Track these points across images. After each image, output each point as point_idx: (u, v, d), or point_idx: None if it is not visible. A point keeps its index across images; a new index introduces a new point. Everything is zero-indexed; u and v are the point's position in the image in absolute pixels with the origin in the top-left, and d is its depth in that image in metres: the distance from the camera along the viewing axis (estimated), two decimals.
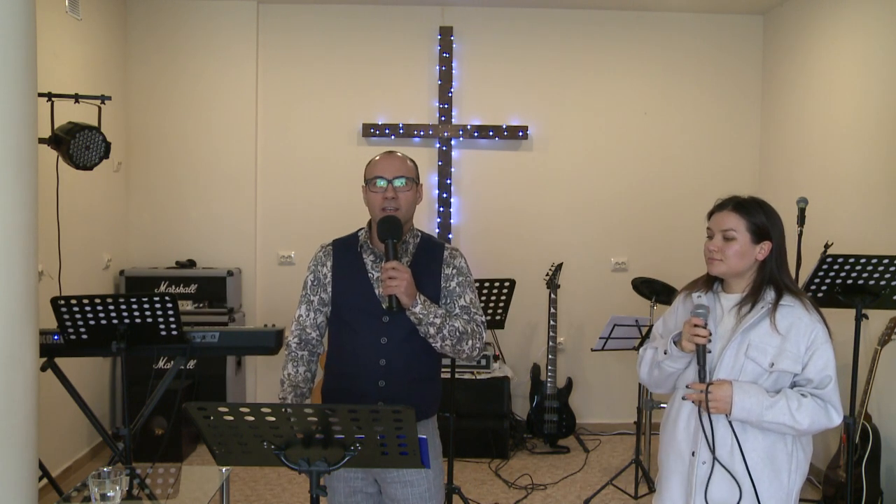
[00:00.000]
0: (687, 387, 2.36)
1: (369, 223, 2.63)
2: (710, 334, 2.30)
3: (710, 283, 2.45)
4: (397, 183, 2.53)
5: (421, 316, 2.44)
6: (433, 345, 2.51)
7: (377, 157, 2.61)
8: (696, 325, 2.29)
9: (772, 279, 2.35)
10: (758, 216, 2.35)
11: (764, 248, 2.34)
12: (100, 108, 4.00)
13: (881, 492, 4.22)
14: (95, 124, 3.85)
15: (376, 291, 2.53)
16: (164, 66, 5.88)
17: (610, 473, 5.06)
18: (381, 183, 2.53)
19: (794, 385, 2.31)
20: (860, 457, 4.18)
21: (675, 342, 2.37)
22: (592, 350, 4.92)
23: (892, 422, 4.36)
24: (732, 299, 2.39)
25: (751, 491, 2.28)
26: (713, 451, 2.30)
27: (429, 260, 2.59)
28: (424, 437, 2.03)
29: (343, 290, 2.59)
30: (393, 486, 2.53)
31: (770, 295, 2.34)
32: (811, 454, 2.41)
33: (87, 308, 3.26)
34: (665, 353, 2.39)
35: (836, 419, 2.27)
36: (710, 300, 2.41)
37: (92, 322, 3.29)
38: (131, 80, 5.85)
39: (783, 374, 2.29)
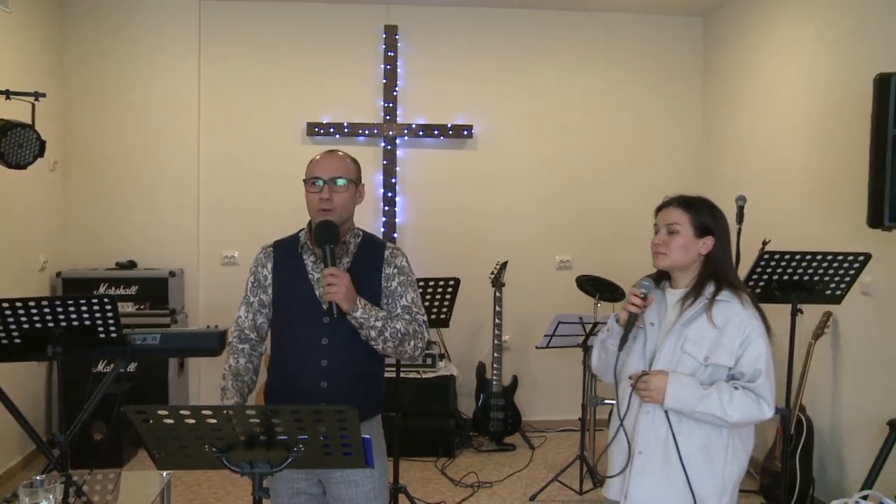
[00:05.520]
0: (629, 377, 2.43)
1: (310, 224, 2.61)
2: (644, 305, 2.41)
3: (658, 279, 2.52)
4: (335, 183, 2.51)
5: (362, 320, 2.43)
6: (375, 347, 2.50)
7: (317, 157, 2.59)
8: (634, 295, 2.40)
9: (715, 275, 2.42)
10: (702, 212, 2.45)
11: (707, 243, 2.43)
12: (33, 106, 3.90)
13: (813, 479, 4.35)
14: (29, 122, 3.76)
15: (317, 293, 2.51)
16: (102, 61, 5.75)
17: (555, 470, 5.10)
18: (319, 183, 2.51)
19: (731, 379, 2.37)
20: (795, 447, 4.30)
21: (616, 320, 2.47)
22: (537, 348, 4.97)
23: (823, 413, 4.49)
24: (677, 294, 2.47)
25: (684, 480, 2.34)
26: (621, 419, 2.46)
27: (370, 259, 2.58)
28: (368, 436, 2.02)
29: (284, 292, 2.58)
30: (337, 487, 2.51)
31: (709, 290, 2.41)
32: (752, 447, 2.47)
33: (21, 311, 3.16)
34: (608, 332, 2.50)
35: (768, 412, 2.33)
36: (658, 296, 2.49)
37: (26, 325, 3.19)
38: (68, 77, 5.70)
39: (718, 368, 2.36)
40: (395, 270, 2.59)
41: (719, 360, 2.35)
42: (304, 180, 2.56)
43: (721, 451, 2.38)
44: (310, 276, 2.54)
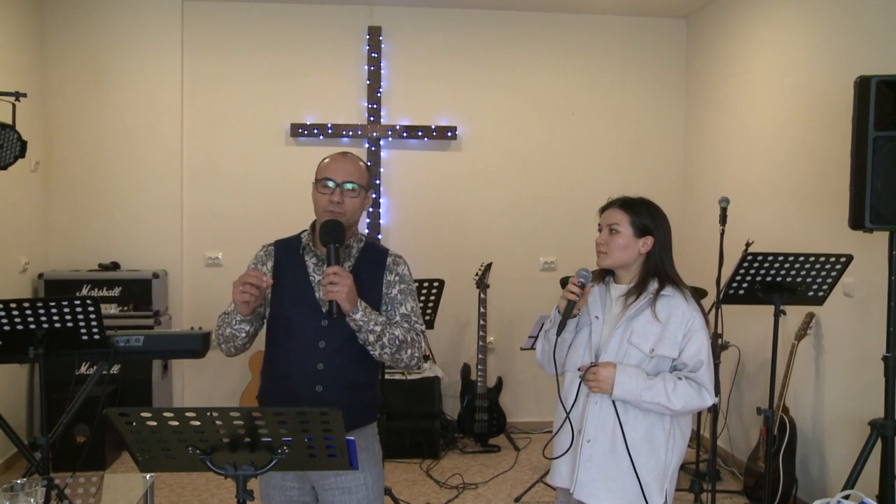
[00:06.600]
0: (578, 369, 2.52)
1: (313, 224, 2.56)
2: (581, 294, 2.49)
3: (602, 275, 2.64)
4: (346, 187, 2.47)
5: (361, 323, 2.39)
6: (371, 353, 2.46)
7: (328, 158, 2.54)
8: (572, 284, 2.49)
9: (656, 272, 2.53)
10: (641, 213, 2.55)
11: (647, 243, 2.54)
12: (14, 106, 3.86)
13: (796, 479, 4.38)
14: (10, 122, 3.72)
15: (316, 295, 2.47)
16: (84, 61, 5.71)
17: (540, 471, 5.11)
18: (330, 185, 2.46)
19: (674, 370, 2.48)
20: (778, 448, 4.33)
21: (558, 309, 2.56)
22: (522, 349, 4.97)
23: (806, 413, 4.52)
24: (620, 289, 2.58)
25: (629, 466, 2.45)
26: (567, 410, 2.53)
27: (371, 265, 2.55)
28: (352, 438, 2.01)
29: (282, 292, 2.52)
30: (331, 493, 2.46)
31: (653, 286, 2.52)
32: (689, 435, 2.60)
33: (2, 313, 3.13)
34: (551, 323, 2.59)
35: (709, 400, 2.46)
36: (602, 290, 2.60)
37: (7, 327, 3.17)
38: (49, 77, 5.66)
39: (663, 360, 2.48)
40: (397, 278, 2.56)
41: (664, 352, 2.46)
42: (314, 181, 2.50)
43: (664, 438, 2.49)
44: (310, 277, 2.50)
